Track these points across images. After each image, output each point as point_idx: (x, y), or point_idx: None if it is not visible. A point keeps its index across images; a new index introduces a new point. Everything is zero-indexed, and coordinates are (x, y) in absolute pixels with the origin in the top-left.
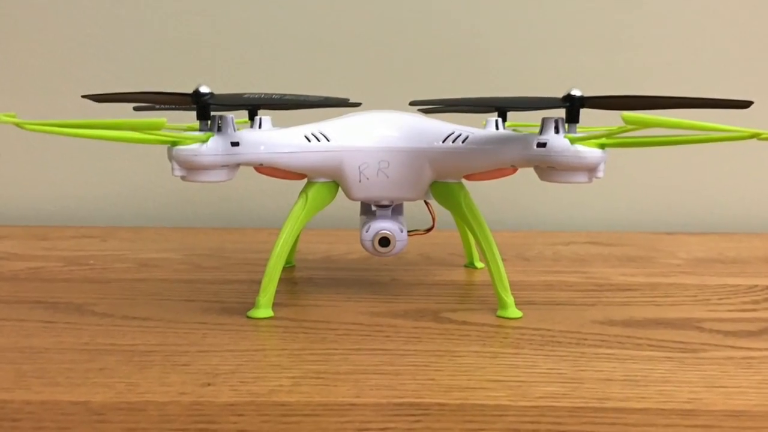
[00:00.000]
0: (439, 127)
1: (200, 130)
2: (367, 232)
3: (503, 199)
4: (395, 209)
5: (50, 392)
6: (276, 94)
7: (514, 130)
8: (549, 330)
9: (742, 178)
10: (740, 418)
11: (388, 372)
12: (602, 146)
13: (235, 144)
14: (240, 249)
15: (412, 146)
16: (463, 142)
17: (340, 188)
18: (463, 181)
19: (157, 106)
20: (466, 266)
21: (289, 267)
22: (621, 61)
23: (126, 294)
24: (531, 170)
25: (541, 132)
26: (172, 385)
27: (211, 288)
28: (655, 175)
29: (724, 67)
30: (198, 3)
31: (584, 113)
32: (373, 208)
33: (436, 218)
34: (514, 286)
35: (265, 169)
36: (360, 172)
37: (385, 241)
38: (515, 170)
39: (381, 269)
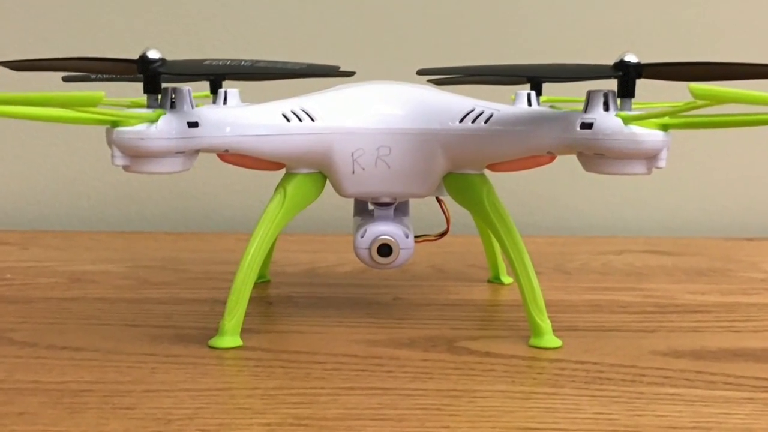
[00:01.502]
0: (455, 102)
1: (148, 106)
2: (362, 237)
3: (537, 196)
4: (399, 209)
5: None
6: (246, 61)
7: (551, 106)
8: (596, 363)
9: None
10: None
11: (389, 417)
12: (665, 127)
13: (193, 124)
14: (199, 259)
15: (420, 127)
16: (485, 122)
17: (327, 181)
18: (487, 172)
19: (93, 76)
20: (489, 281)
21: (262, 282)
22: (688, 17)
23: (53, 317)
24: (572, 158)
25: (586, 109)
26: None
27: (162, 309)
28: (732, 165)
29: None
30: None
31: (641, 85)
32: (371, 207)
33: (451, 220)
34: (552, 307)
35: (232, 156)
36: (354, 161)
37: (385, 250)
38: (553, 158)
39: (380, 285)
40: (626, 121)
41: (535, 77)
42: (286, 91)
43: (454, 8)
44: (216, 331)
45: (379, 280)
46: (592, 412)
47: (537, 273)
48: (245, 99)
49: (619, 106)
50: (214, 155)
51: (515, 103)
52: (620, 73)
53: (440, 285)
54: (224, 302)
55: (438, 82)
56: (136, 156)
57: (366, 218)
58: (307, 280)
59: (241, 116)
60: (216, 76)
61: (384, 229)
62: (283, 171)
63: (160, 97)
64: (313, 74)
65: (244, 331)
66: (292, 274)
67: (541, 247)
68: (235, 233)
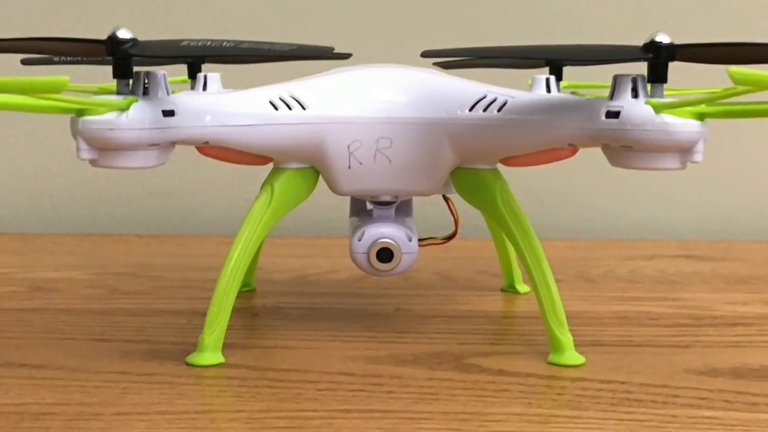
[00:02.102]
0: (465, 88)
1: (118, 93)
2: (360, 241)
3: (557, 194)
4: (401, 208)
5: None
6: (228, 41)
7: (572, 92)
8: (624, 383)
9: None
10: None
11: None
12: (701, 116)
13: (168, 113)
14: (176, 265)
15: (425, 116)
16: (498, 110)
17: (320, 178)
18: (500, 167)
19: (56, 59)
20: (503, 290)
21: (246, 291)
22: None
23: (10, 331)
24: (597, 152)
25: (612, 96)
26: None
27: (134, 322)
28: None
29: None
30: None
31: (674, 68)
32: (369, 206)
33: (460, 221)
34: (574, 320)
35: (213, 149)
36: (350, 155)
37: (386, 255)
38: (574, 151)
39: (380, 295)
40: (657, 109)
41: (555, 60)
42: (274, 75)
43: None
44: (194, 346)
45: (378, 289)
46: None
47: (557, 281)
48: (228, 84)
49: (649, 93)
50: (193, 148)
51: (532, 89)
52: (651, 56)
53: (448, 294)
54: (204, 314)
55: (445, 66)
56: (105, 149)
57: (364, 219)
58: (298, 288)
59: (223, 104)
60: (194, 58)
61: (384, 232)
62: (270, 166)
63: (131, 82)
64: (304, 56)
65: (227, 347)
66: (281, 282)
67: (562, 251)
68: (217, 236)
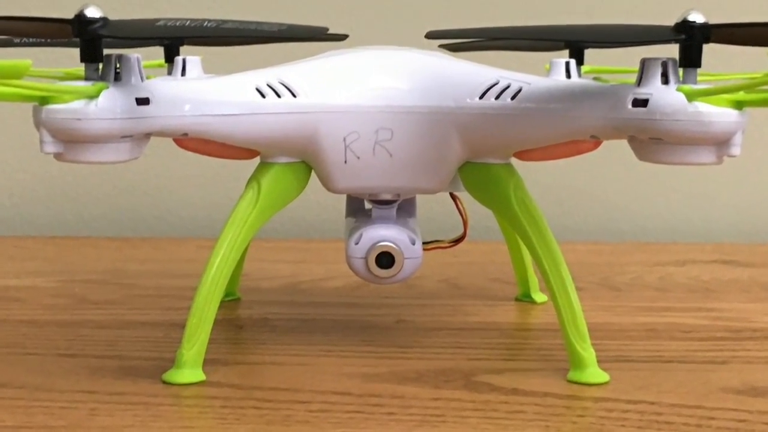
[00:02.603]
0: (475, 74)
1: (86, 78)
2: (357, 244)
3: (578, 192)
4: (403, 208)
5: None
6: (210, 21)
7: (595, 78)
8: (653, 404)
9: None
10: None
11: None
12: (739, 105)
13: (143, 101)
14: (151, 272)
15: (430, 105)
16: (512, 98)
17: (313, 173)
18: (514, 161)
19: (17, 40)
20: (517, 299)
21: (230, 301)
22: None
23: None
24: (623, 144)
25: (639, 82)
26: None
27: (104, 335)
28: None
29: None
30: None
31: (709, 51)
32: (368, 205)
33: (469, 222)
34: (597, 332)
35: (192, 142)
36: (346, 148)
37: (386, 260)
38: (597, 144)
39: (380, 305)
40: (690, 96)
41: (576, 42)
42: (262, 59)
43: None
44: (172, 362)
45: (378, 299)
46: None
47: (578, 289)
48: (209, 69)
49: (681, 79)
50: (170, 140)
51: (550, 74)
52: (683, 37)
53: (455, 304)
54: (182, 326)
55: (452, 48)
56: (71, 141)
57: (362, 220)
58: (288, 297)
59: (204, 91)
60: (172, 40)
61: (384, 234)
62: (256, 160)
63: (101, 66)
64: (295, 38)
65: (208, 363)
66: (269, 291)
67: (583, 256)
68: (197, 238)
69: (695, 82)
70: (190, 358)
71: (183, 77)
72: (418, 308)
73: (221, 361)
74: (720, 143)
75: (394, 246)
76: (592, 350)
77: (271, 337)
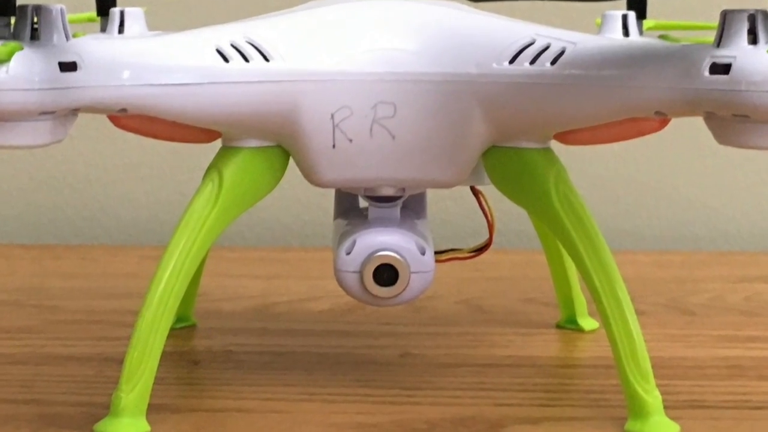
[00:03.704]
0: (503, 30)
1: None
2: (349, 254)
3: (638, 186)
4: (409, 207)
5: None
6: None
7: (661, 36)
8: None
9: None
10: None
11: None
12: None
13: (68, 67)
14: (78, 290)
15: (444, 71)
16: (552, 62)
17: (291, 161)
18: (555, 145)
19: None
20: (559, 326)
21: (183, 328)
22: None
23: None
24: (697, 123)
25: (719, 42)
26: None
27: (18, 373)
28: None
29: None
30: None
31: None
32: (363, 203)
33: (495, 225)
34: (663, 370)
35: (133, 119)
36: (335, 128)
37: (387, 274)
38: (664, 123)
39: (379, 333)
40: None
41: None
42: (224, 11)
43: None
44: (106, 408)
45: (377, 325)
46: None
47: (639, 313)
48: (155, 25)
49: None
50: (104, 117)
51: (601, 31)
52: None
53: (478, 333)
54: (120, 361)
55: None
56: None
57: (355, 222)
58: (258, 323)
59: (148, 53)
60: None
61: (384, 241)
62: (216, 144)
63: (13, 21)
64: None
65: (153, 409)
66: (233, 315)
67: (646, 269)
68: (139, 246)
69: None
70: (130, 403)
71: (121, 35)
72: (429, 338)
73: (171, 407)
74: None
75: (397, 256)
76: (657, 393)
77: (237, 375)
